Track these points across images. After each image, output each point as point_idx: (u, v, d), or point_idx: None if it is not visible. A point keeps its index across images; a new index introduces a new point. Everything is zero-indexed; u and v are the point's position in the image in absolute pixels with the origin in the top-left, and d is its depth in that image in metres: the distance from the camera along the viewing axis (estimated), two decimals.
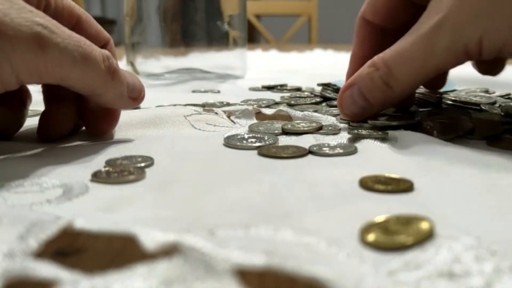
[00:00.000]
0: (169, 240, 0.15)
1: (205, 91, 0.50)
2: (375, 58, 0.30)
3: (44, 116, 0.29)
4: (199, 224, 0.17)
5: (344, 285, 0.13)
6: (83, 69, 0.24)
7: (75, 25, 0.28)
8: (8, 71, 0.22)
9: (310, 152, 0.26)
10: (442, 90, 0.41)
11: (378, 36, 0.35)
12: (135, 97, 0.29)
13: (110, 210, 0.19)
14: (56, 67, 0.23)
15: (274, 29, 2.05)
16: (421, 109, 0.36)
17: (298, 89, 0.51)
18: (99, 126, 0.30)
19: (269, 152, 0.26)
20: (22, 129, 0.30)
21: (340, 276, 0.13)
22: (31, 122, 0.32)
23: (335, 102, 0.40)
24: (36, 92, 0.31)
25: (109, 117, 0.29)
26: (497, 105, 0.36)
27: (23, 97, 0.29)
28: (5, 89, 0.23)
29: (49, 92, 0.30)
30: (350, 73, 0.36)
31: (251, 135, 0.29)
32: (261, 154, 0.26)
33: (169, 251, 0.15)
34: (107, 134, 0.30)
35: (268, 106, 0.40)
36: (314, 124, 0.31)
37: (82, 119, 0.30)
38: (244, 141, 0.28)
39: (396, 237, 0.16)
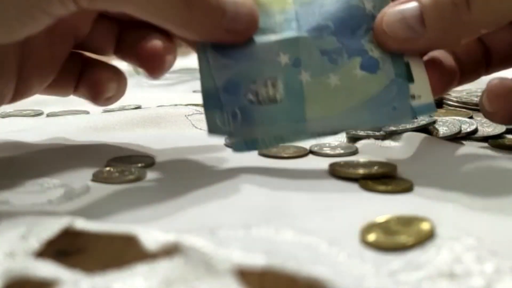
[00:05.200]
0: (169, 240, 0.15)
1: None
2: None
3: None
4: (199, 224, 0.17)
5: (344, 285, 0.13)
6: None
7: None
8: None
9: (310, 152, 0.26)
10: None
11: None
12: (237, 30, 0.21)
13: (111, 210, 0.19)
14: None
15: None
16: None
17: None
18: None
19: (269, 152, 0.26)
20: (22, 129, 0.30)
21: (340, 276, 0.13)
22: (30, 124, 0.32)
23: None
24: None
25: (152, 61, 0.23)
26: None
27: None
28: (66, 11, 0.19)
29: None
30: None
31: None
32: (261, 154, 0.26)
33: (170, 251, 0.15)
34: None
35: None
36: None
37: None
38: None
39: (397, 238, 0.16)
